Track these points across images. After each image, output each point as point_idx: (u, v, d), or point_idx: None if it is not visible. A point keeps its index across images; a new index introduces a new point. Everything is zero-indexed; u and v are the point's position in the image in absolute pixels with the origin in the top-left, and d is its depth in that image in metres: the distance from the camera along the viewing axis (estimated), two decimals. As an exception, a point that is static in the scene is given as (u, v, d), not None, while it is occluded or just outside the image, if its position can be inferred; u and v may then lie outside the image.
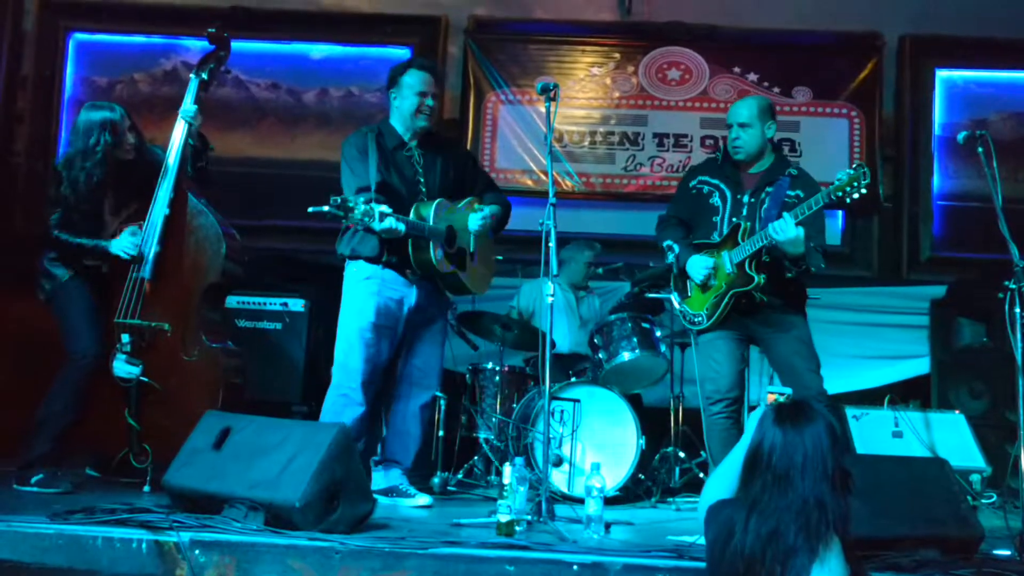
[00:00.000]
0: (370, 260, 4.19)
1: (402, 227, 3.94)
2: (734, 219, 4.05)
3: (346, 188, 4.15)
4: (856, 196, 3.77)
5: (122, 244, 4.07)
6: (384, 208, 3.86)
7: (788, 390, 2.86)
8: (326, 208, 3.74)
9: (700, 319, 4.08)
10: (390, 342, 4.24)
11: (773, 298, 4.02)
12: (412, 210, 4.11)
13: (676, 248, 4.15)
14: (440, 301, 4.41)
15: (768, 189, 4.06)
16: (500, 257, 4.68)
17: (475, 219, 4.30)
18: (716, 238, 4.08)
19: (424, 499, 4.20)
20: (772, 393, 2.79)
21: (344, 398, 4.12)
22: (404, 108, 4.29)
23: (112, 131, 4.08)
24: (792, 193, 3.99)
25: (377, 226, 3.86)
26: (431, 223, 4.10)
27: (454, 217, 4.26)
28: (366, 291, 4.18)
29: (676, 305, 4.23)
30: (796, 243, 3.79)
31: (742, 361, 4.14)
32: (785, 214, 3.82)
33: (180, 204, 4.17)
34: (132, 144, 4.18)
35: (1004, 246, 3.62)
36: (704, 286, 4.07)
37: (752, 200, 4.06)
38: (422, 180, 4.28)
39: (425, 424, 4.40)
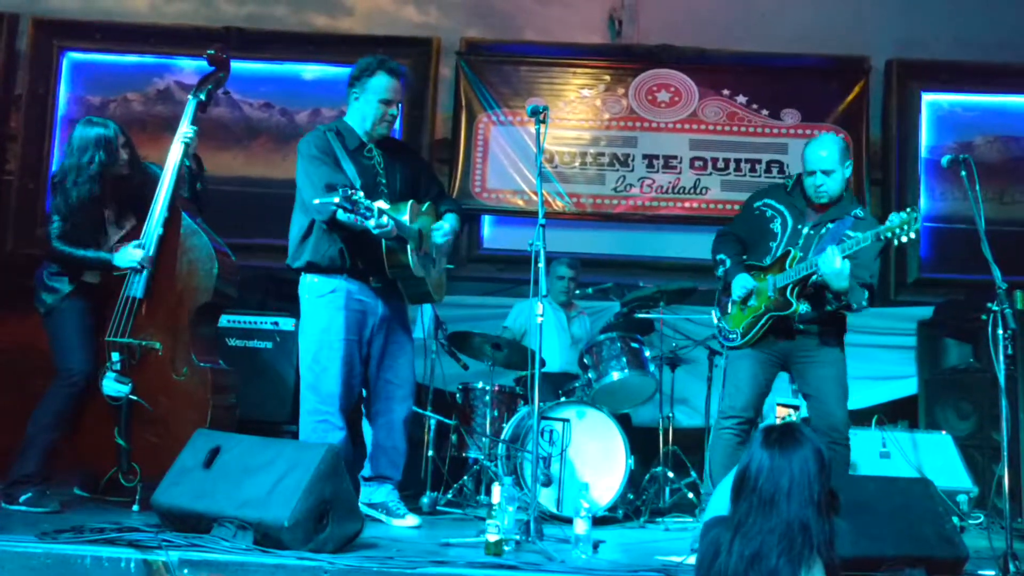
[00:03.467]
0: (331, 271, 4.06)
1: (393, 224, 3.81)
2: (790, 247, 4.07)
3: (309, 187, 3.98)
4: (905, 239, 3.81)
5: (125, 258, 4.06)
6: (381, 204, 3.76)
7: (799, 402, 2.89)
8: (335, 199, 3.61)
9: (735, 336, 4.12)
10: (360, 357, 4.13)
11: (811, 326, 4.05)
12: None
13: (728, 262, 4.19)
14: (402, 308, 4.31)
15: (829, 225, 4.09)
16: (451, 266, 4.62)
17: (440, 234, 4.22)
18: (767, 261, 4.12)
19: (413, 519, 4.16)
20: (781, 405, 2.81)
21: (324, 424, 4.02)
22: (366, 113, 4.15)
23: (106, 148, 4.09)
24: (853, 234, 3.96)
25: (375, 222, 3.70)
26: (407, 224, 4.00)
27: (422, 221, 4.19)
28: (332, 305, 4.06)
29: (715, 320, 4.26)
30: (840, 277, 3.83)
31: (765, 385, 4.15)
32: (831, 247, 3.86)
33: (174, 223, 4.18)
34: (126, 160, 4.19)
35: (990, 268, 3.67)
36: (743, 304, 4.10)
37: (811, 232, 4.10)
38: (383, 182, 4.18)
39: (409, 437, 4.33)
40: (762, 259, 4.14)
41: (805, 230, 4.11)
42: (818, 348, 4.07)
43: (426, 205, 4.27)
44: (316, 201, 3.78)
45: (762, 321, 4.04)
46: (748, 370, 4.10)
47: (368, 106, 4.15)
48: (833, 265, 3.81)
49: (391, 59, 4.28)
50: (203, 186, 4.38)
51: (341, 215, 3.76)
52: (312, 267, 4.10)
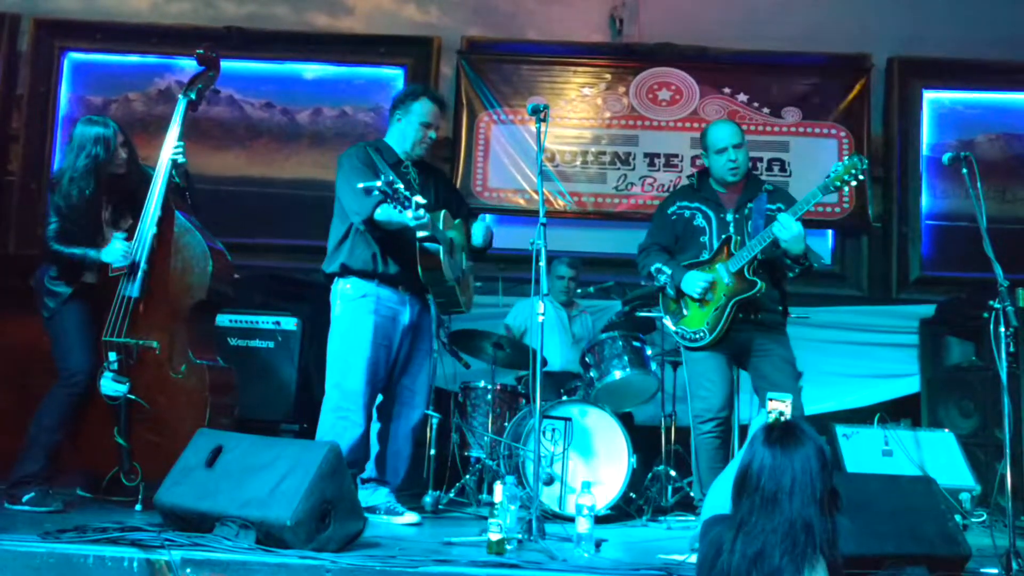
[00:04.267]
0: (363, 275, 4.19)
1: (428, 217, 3.89)
2: (723, 235, 4.11)
3: (349, 191, 4.07)
4: (854, 183, 3.93)
5: (112, 253, 4.06)
6: (419, 198, 3.81)
7: (789, 396, 2.90)
8: (378, 183, 3.72)
9: (702, 334, 4.12)
10: (387, 361, 4.25)
11: (767, 315, 4.08)
12: None
13: (667, 269, 4.20)
14: (428, 319, 4.43)
15: (750, 205, 4.17)
16: (479, 284, 4.73)
17: (479, 233, 4.42)
18: (706, 255, 4.14)
19: (413, 516, 4.19)
20: (774, 400, 2.80)
21: (344, 420, 4.11)
22: (407, 133, 4.34)
23: (105, 146, 4.09)
24: (773, 207, 4.11)
25: (412, 213, 3.78)
26: (441, 229, 4.14)
27: (452, 233, 4.32)
28: (364, 309, 4.18)
29: (671, 327, 4.26)
30: (799, 239, 3.91)
31: (732, 381, 4.19)
32: (784, 212, 3.93)
33: (168, 222, 4.18)
34: (124, 159, 4.19)
35: (992, 265, 3.66)
36: (702, 301, 4.11)
37: (737, 216, 4.16)
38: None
39: (415, 444, 4.42)
40: (698, 255, 4.18)
41: (730, 216, 4.17)
42: (771, 342, 4.11)
43: (457, 221, 4.42)
44: (360, 185, 3.82)
45: (727, 310, 4.05)
46: (715, 370, 4.12)
47: (410, 127, 4.34)
48: (792, 230, 3.87)
49: (434, 89, 4.69)
50: (192, 197, 4.35)
51: (380, 214, 3.94)
52: (346, 271, 4.22)
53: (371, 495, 4.25)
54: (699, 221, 4.22)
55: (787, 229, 3.86)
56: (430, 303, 4.37)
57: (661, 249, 4.33)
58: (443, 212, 4.24)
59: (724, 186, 4.23)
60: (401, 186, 3.77)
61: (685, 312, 4.18)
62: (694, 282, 4.09)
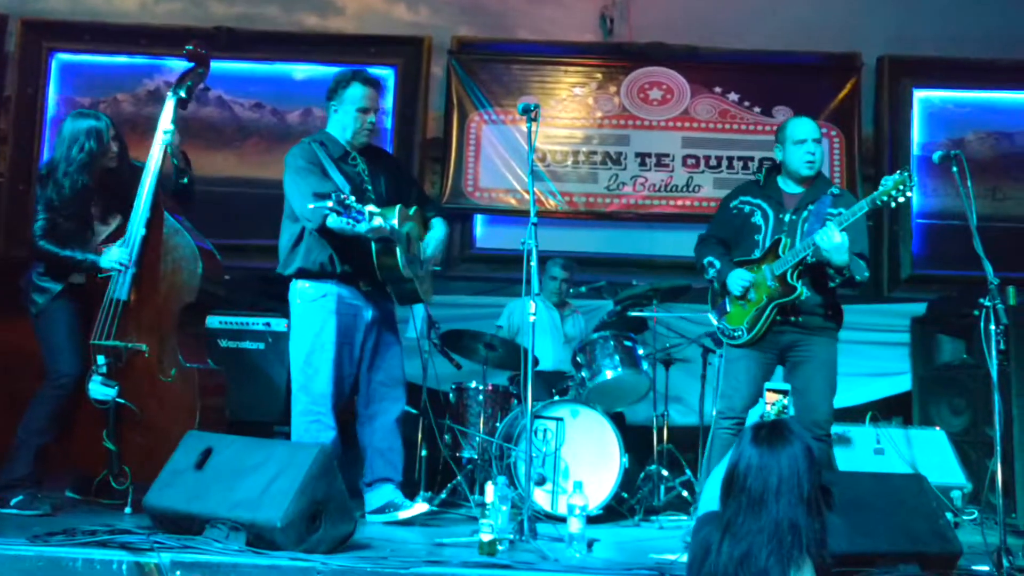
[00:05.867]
0: (322, 276, 4.13)
1: (388, 226, 3.88)
2: (778, 235, 4.09)
3: (299, 196, 4.04)
4: (901, 200, 3.87)
5: (113, 257, 4.04)
6: (372, 207, 3.81)
7: (787, 386, 2.89)
8: (328, 204, 3.67)
9: (740, 332, 4.10)
10: (351, 359, 4.20)
11: (810, 318, 4.06)
12: None
13: (717, 264, 4.20)
14: (390, 310, 4.37)
15: (810, 207, 4.12)
16: (438, 267, 4.65)
17: (431, 247, 4.33)
18: (757, 254, 4.13)
19: (423, 505, 4.18)
20: (771, 391, 2.79)
21: (317, 424, 4.06)
22: (345, 122, 4.25)
23: (98, 139, 4.07)
24: (835, 211, 4.03)
25: (365, 225, 3.77)
26: (396, 227, 4.05)
27: (408, 225, 4.25)
28: (323, 310, 4.12)
29: (714, 322, 4.25)
30: (840, 250, 3.86)
31: (760, 385, 4.14)
32: (829, 222, 3.90)
33: (157, 224, 4.16)
34: (115, 153, 4.17)
35: (982, 264, 3.67)
36: (743, 299, 4.10)
37: (794, 218, 4.12)
38: (369, 188, 4.25)
39: (403, 435, 4.36)
40: (750, 253, 4.16)
41: (787, 217, 4.13)
42: (815, 344, 4.08)
43: (412, 210, 4.33)
44: (310, 206, 3.82)
45: (767, 312, 4.03)
46: (747, 371, 4.10)
47: (347, 116, 4.25)
48: (833, 240, 3.83)
49: (366, 71, 4.44)
50: (190, 179, 4.33)
51: (333, 221, 3.84)
52: (303, 273, 4.16)
53: (378, 495, 4.23)
54: (757, 219, 4.19)
55: (829, 239, 3.83)
56: (391, 293, 4.29)
57: (718, 242, 4.31)
58: (397, 208, 4.12)
59: (795, 181, 4.20)
60: (352, 199, 3.72)
61: (728, 308, 4.18)
62: (737, 280, 4.09)
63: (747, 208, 4.25)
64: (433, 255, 4.36)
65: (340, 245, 4.09)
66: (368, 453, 4.31)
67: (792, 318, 4.05)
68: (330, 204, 3.66)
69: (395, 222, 4.04)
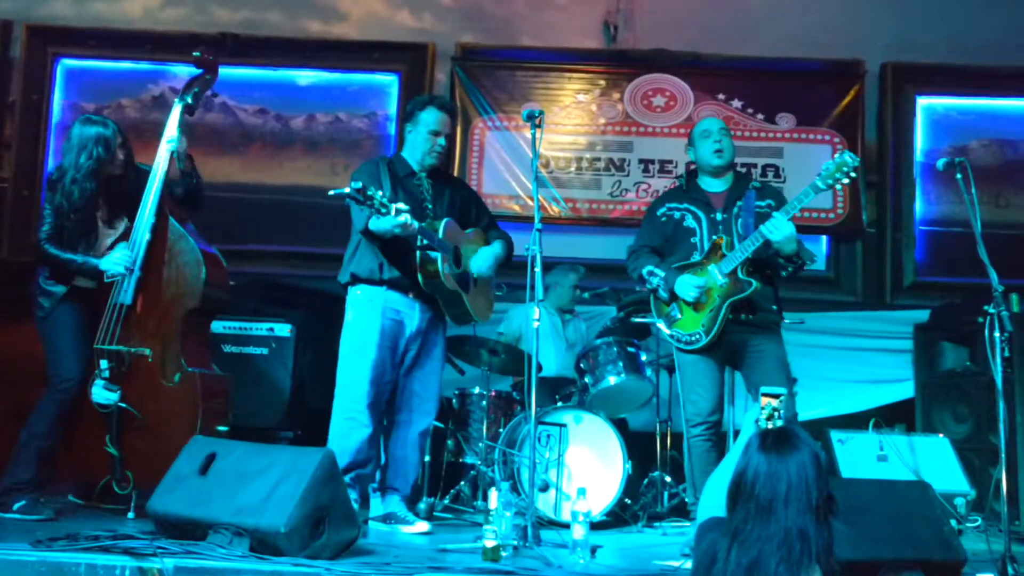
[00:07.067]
0: (370, 281, 4.22)
1: (416, 224, 3.95)
2: (713, 236, 4.11)
3: (359, 215, 4.15)
4: (846, 181, 3.93)
5: (111, 263, 4.04)
6: (400, 204, 3.90)
7: (783, 390, 2.88)
8: (346, 190, 3.77)
9: (698, 336, 4.09)
10: (392, 363, 4.25)
11: (762, 315, 4.08)
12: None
13: (660, 272, 4.18)
14: (440, 327, 4.42)
15: (739, 203, 4.17)
16: (500, 292, 4.70)
17: (481, 260, 4.35)
18: (697, 256, 4.13)
19: (424, 525, 4.19)
20: (766, 395, 2.78)
21: (351, 421, 4.12)
22: (416, 143, 4.36)
23: (106, 146, 4.09)
24: (762, 203, 4.13)
25: (390, 220, 3.86)
26: (441, 238, 4.15)
27: (461, 240, 4.33)
28: (370, 312, 4.21)
29: (665, 330, 4.24)
30: (791, 240, 3.91)
31: (722, 385, 4.19)
32: (776, 213, 3.94)
33: (161, 229, 4.16)
34: (122, 160, 4.18)
35: (986, 271, 3.67)
36: (696, 304, 4.10)
37: (725, 216, 4.16)
38: (429, 207, 4.33)
39: (422, 451, 4.43)
40: (689, 257, 4.17)
41: (719, 216, 4.17)
42: (765, 341, 4.10)
43: (471, 230, 4.43)
44: (329, 192, 3.88)
45: (722, 311, 4.04)
46: (707, 373, 4.11)
47: (419, 137, 4.36)
48: (784, 231, 3.87)
49: (443, 97, 4.75)
50: (198, 182, 4.33)
51: (373, 224, 3.99)
52: (355, 279, 4.27)
53: (382, 503, 4.26)
54: (689, 222, 4.21)
55: (779, 230, 3.87)
56: (444, 316, 4.38)
57: (652, 251, 4.32)
58: (445, 220, 4.22)
59: (711, 176, 4.23)
60: (379, 194, 3.82)
61: (678, 315, 4.17)
62: (688, 286, 4.08)
63: (676, 214, 4.26)
64: (484, 269, 4.37)
65: (388, 254, 4.20)
66: (385, 459, 4.36)
67: (743, 315, 4.07)
68: (347, 190, 3.76)
69: (440, 233, 4.13)
